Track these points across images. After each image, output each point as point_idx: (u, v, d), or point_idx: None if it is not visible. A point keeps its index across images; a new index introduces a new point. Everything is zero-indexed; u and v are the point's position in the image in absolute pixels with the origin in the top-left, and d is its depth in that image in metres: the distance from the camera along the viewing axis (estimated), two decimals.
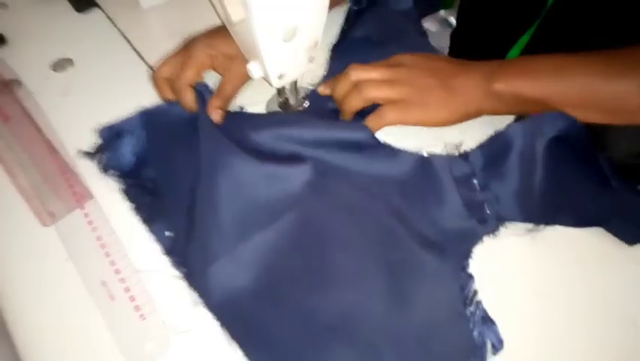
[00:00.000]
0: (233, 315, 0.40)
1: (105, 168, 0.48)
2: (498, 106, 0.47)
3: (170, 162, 0.48)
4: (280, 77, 0.48)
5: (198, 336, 0.40)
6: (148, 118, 0.50)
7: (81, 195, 0.47)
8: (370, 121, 0.48)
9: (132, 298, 0.41)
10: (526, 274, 0.43)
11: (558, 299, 0.42)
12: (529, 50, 0.59)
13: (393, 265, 0.42)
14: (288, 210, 0.44)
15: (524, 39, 0.59)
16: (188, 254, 0.42)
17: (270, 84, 0.49)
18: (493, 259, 0.44)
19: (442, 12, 0.67)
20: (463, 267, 0.42)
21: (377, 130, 0.48)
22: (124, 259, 0.43)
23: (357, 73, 0.48)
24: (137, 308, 0.41)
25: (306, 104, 0.53)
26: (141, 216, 0.45)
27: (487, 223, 0.45)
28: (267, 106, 0.55)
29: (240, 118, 0.51)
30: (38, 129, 0.51)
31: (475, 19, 0.71)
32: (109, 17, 0.63)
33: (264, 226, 0.43)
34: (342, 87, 0.49)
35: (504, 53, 0.61)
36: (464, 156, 0.47)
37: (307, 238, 0.43)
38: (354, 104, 0.48)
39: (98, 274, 0.42)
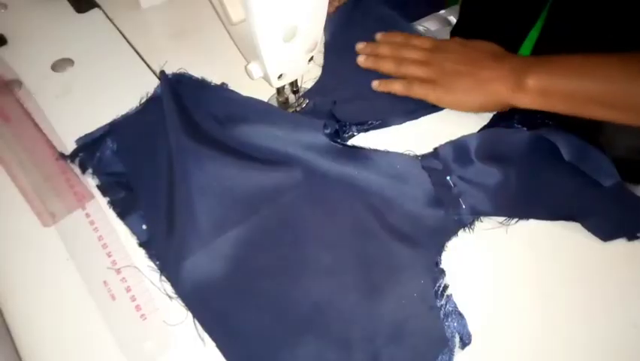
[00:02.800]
0: (206, 307, 0.40)
1: (83, 168, 0.48)
2: (526, 101, 0.49)
3: (142, 158, 0.48)
4: (280, 77, 0.49)
5: (198, 336, 0.40)
6: (119, 123, 0.51)
7: (82, 195, 0.47)
8: (398, 85, 0.53)
9: (133, 298, 0.41)
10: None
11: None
12: (540, 45, 0.59)
13: (367, 258, 0.43)
14: (264, 204, 0.45)
15: (533, 35, 0.59)
16: (164, 248, 0.43)
17: (270, 84, 0.50)
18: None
19: (442, 11, 0.67)
20: (436, 261, 0.43)
21: (400, 94, 0.53)
22: (125, 258, 0.43)
23: (402, 51, 0.55)
24: (138, 308, 0.41)
25: (306, 103, 0.53)
26: (115, 211, 0.46)
27: (462, 218, 0.45)
28: None
29: (219, 102, 0.52)
30: (39, 129, 0.51)
31: (477, 16, 0.71)
32: (109, 17, 0.63)
33: (240, 221, 0.44)
34: (384, 50, 0.56)
35: (511, 49, 0.61)
36: (435, 152, 0.49)
37: (282, 232, 0.44)
38: (388, 69, 0.55)
39: (99, 273, 0.42)
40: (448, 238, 0.45)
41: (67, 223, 0.45)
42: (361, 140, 0.52)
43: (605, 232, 0.45)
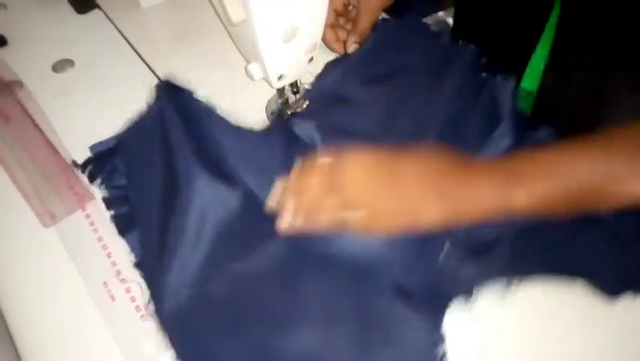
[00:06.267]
0: (187, 343, 0.39)
1: (92, 178, 0.48)
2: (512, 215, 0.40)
3: (140, 178, 0.47)
4: (280, 77, 0.49)
5: None
6: (124, 139, 0.49)
7: (82, 196, 0.47)
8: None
9: (133, 299, 0.41)
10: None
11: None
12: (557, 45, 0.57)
13: (365, 314, 0.40)
14: (263, 244, 0.42)
15: (547, 37, 0.58)
16: (152, 275, 0.41)
17: (270, 85, 0.50)
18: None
19: (440, 13, 0.67)
20: (437, 324, 0.40)
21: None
22: (125, 259, 0.43)
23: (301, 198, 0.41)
24: (137, 309, 0.41)
25: (306, 104, 0.53)
26: (116, 226, 0.45)
27: (462, 286, 0.41)
28: (267, 106, 0.55)
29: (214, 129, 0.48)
30: (39, 130, 0.52)
31: (473, 18, 0.70)
32: (109, 18, 0.63)
33: (236, 258, 0.41)
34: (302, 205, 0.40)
35: (520, 53, 0.59)
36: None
37: (280, 276, 0.41)
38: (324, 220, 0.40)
39: (99, 274, 0.42)
40: (450, 301, 0.41)
41: (67, 224, 0.45)
42: None
43: (612, 290, 0.41)
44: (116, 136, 0.50)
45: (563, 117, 0.49)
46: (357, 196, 0.39)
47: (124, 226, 0.45)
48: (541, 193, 0.39)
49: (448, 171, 0.40)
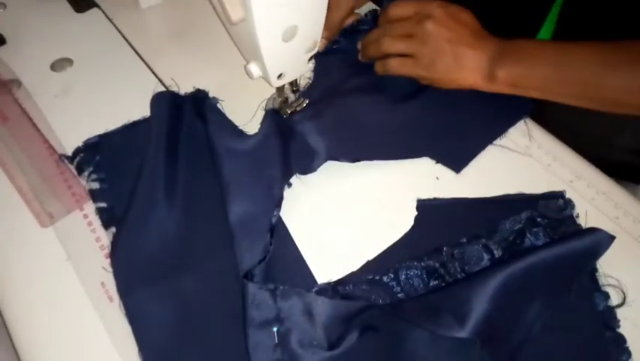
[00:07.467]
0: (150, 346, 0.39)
1: (80, 170, 0.48)
2: (496, 89, 0.49)
3: (119, 178, 0.48)
4: (279, 76, 0.48)
5: None
6: (108, 135, 0.51)
7: (80, 196, 0.47)
8: (377, 66, 0.54)
9: None
10: None
11: None
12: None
13: None
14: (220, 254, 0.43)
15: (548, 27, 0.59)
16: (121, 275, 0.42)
17: (270, 84, 0.49)
18: None
19: None
20: None
21: (381, 73, 0.54)
22: None
23: (383, 26, 0.53)
24: None
25: (306, 103, 0.53)
26: (100, 218, 0.45)
27: None
28: (266, 105, 0.55)
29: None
30: (37, 129, 0.51)
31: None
32: (108, 17, 0.63)
33: (192, 266, 0.42)
34: (371, 36, 0.55)
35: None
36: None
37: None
38: (371, 52, 0.54)
39: (97, 274, 0.42)
40: None
41: (65, 224, 0.45)
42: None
43: None
44: (105, 133, 0.50)
45: (559, 110, 0.49)
46: (395, 36, 0.51)
47: (108, 219, 0.45)
48: (517, 79, 0.47)
49: (466, 35, 0.49)
